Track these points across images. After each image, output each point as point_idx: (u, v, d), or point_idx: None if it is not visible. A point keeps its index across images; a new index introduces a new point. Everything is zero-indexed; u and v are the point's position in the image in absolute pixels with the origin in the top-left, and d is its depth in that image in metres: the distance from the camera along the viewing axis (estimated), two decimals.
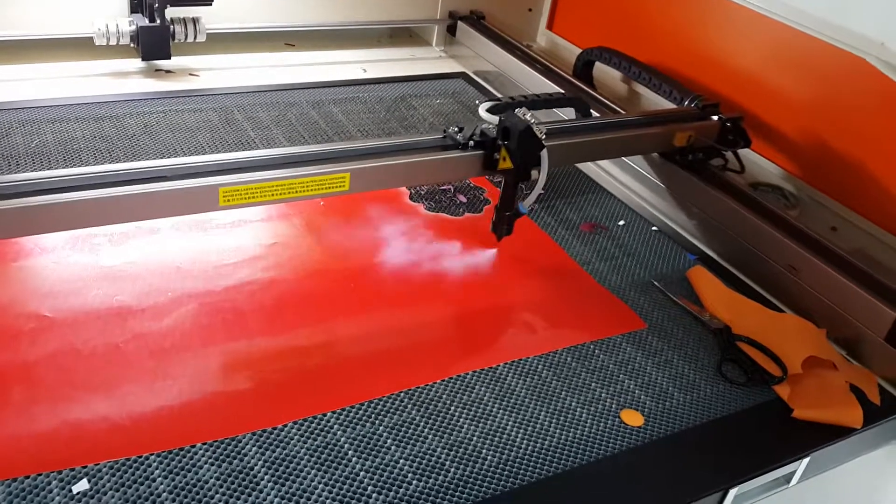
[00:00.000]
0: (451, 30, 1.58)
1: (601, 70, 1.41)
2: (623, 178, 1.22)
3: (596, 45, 1.39)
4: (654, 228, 1.13)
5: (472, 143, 0.97)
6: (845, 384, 0.87)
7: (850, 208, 1.12)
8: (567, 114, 1.26)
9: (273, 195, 0.87)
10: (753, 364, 0.88)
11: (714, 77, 1.27)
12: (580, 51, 1.42)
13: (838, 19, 0.92)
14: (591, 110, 1.22)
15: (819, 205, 1.15)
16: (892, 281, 0.94)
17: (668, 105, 1.25)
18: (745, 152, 1.15)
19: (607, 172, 1.25)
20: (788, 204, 1.16)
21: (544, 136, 0.94)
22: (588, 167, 1.26)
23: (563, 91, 1.29)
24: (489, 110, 1.04)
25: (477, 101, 1.25)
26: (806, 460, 0.81)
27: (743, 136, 1.14)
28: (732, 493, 0.76)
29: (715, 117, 1.14)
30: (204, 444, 0.71)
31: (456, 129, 0.97)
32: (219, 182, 0.84)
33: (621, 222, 1.14)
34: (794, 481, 0.82)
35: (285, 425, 0.74)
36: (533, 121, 0.94)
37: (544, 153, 0.95)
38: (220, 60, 1.42)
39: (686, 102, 1.19)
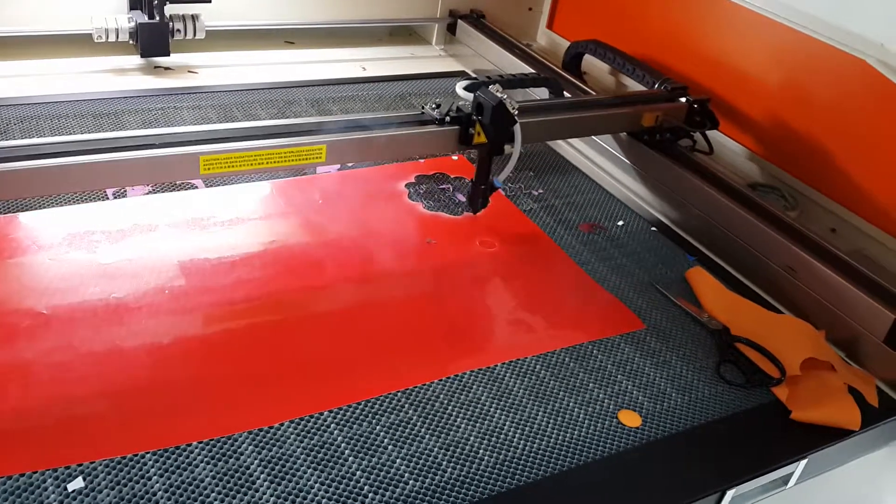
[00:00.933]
0: (452, 28, 1.57)
1: (590, 63, 1.41)
2: (622, 178, 1.22)
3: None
4: (653, 229, 1.13)
5: (448, 118, 0.99)
6: (843, 386, 0.86)
7: (850, 210, 1.12)
8: (543, 95, 1.30)
9: (252, 164, 0.90)
10: (752, 365, 0.88)
11: (710, 75, 1.27)
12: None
13: (838, 20, 0.92)
14: (564, 92, 1.27)
15: (818, 206, 1.15)
16: (891, 283, 0.94)
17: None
18: (740, 156, 1.16)
19: (606, 172, 1.24)
20: (788, 205, 1.16)
21: (516, 112, 0.97)
22: (585, 164, 1.26)
23: (537, 72, 1.32)
24: (465, 88, 1.08)
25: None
26: (804, 462, 0.80)
27: (710, 118, 1.17)
28: (730, 494, 0.76)
29: (683, 99, 1.17)
30: (200, 442, 0.71)
31: (433, 105, 1.00)
32: (199, 151, 0.88)
33: (620, 223, 1.13)
34: (791, 483, 0.82)
35: (282, 424, 0.74)
36: (505, 97, 0.97)
37: (517, 128, 0.98)
38: (219, 58, 1.42)
39: (657, 85, 1.22)
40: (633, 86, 1.32)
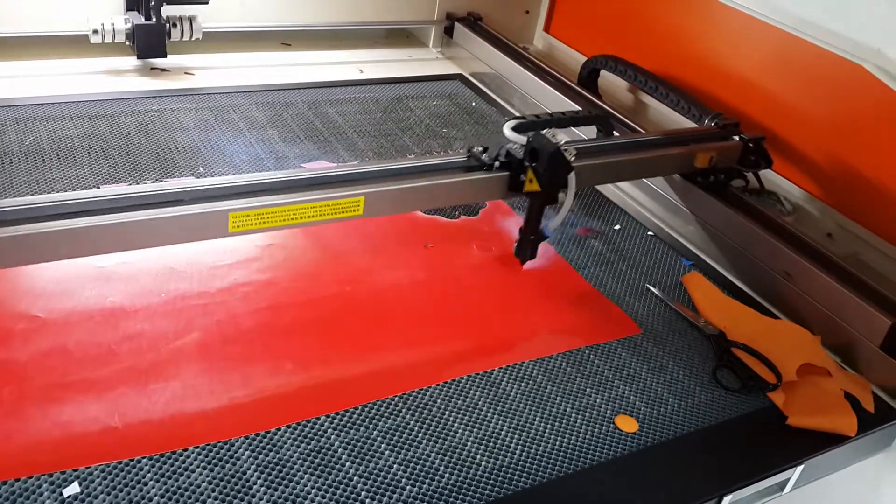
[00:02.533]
0: (449, 31, 1.57)
1: (605, 78, 1.40)
2: (619, 183, 1.22)
3: (594, 49, 1.40)
4: (649, 233, 1.13)
5: (497, 164, 0.93)
6: (840, 391, 0.87)
7: (846, 215, 1.12)
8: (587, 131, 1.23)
9: (284, 220, 0.83)
10: (748, 371, 0.88)
11: (712, 82, 1.27)
12: (577, 53, 1.43)
13: (835, 26, 0.92)
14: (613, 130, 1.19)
15: (815, 211, 1.15)
16: (887, 288, 0.94)
17: (677, 117, 1.23)
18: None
19: None
20: (784, 210, 1.16)
21: (573, 159, 0.91)
22: None
23: (583, 108, 1.25)
24: (514, 129, 0.98)
25: (504, 119, 1.20)
26: (800, 468, 0.80)
27: (765, 157, 1.10)
28: (727, 500, 0.76)
29: (736, 137, 1.10)
30: (196, 447, 0.70)
31: (480, 148, 0.93)
32: (229, 207, 0.80)
33: (617, 226, 1.13)
34: (788, 489, 0.82)
35: (279, 429, 0.74)
36: (562, 143, 0.91)
37: (572, 175, 0.92)
38: (216, 59, 1.42)
39: (706, 121, 1.15)
40: (652, 103, 1.30)
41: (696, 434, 0.81)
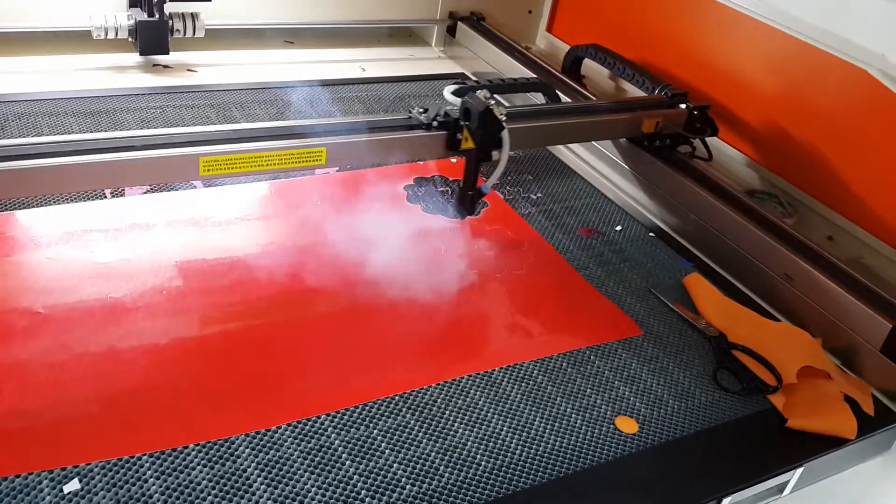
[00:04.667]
0: (451, 30, 1.57)
1: (590, 67, 1.41)
2: (621, 183, 1.22)
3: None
4: (651, 234, 1.13)
5: (435, 123, 0.99)
6: (840, 394, 0.87)
7: (847, 218, 1.12)
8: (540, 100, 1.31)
9: (252, 166, 0.90)
10: (748, 373, 0.88)
11: (710, 81, 1.27)
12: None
13: (839, 30, 0.92)
14: (561, 96, 1.27)
15: (816, 214, 1.15)
16: (888, 292, 0.94)
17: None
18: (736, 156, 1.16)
19: (605, 177, 1.25)
20: (785, 212, 1.16)
21: (504, 118, 0.97)
22: (584, 169, 1.26)
23: (533, 76, 1.33)
24: (453, 93, 1.09)
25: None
26: (800, 470, 0.81)
27: (710, 125, 1.17)
28: (726, 502, 0.76)
29: (683, 105, 1.17)
30: (197, 445, 0.70)
31: (420, 109, 1.00)
32: (199, 152, 0.88)
33: (618, 227, 1.13)
34: (787, 491, 0.82)
35: (279, 427, 0.74)
36: (493, 102, 0.96)
37: (505, 134, 0.97)
38: (218, 57, 1.42)
39: (657, 91, 1.22)
40: (633, 91, 1.32)
41: (695, 436, 0.81)
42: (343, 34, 1.57)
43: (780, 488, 0.82)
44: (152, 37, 1.31)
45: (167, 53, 1.34)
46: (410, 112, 1.00)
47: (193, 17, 1.34)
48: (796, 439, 0.82)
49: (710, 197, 1.08)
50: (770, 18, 0.99)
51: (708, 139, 1.20)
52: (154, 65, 1.36)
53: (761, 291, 1.02)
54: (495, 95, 1.03)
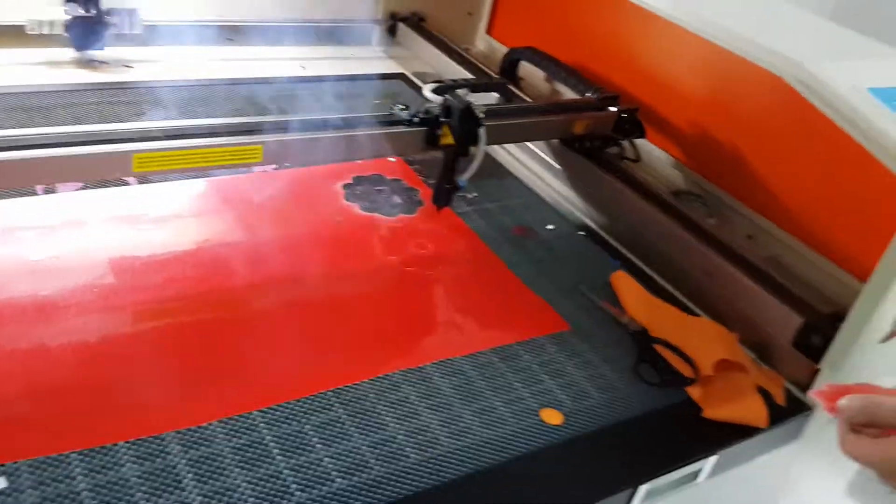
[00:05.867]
0: (392, 30, 1.59)
1: (528, 69, 1.45)
2: (553, 183, 1.26)
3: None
4: (581, 233, 1.17)
5: (416, 119, 1.03)
6: (754, 386, 0.91)
7: (766, 218, 1.17)
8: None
9: (187, 163, 0.90)
10: (668, 366, 0.92)
11: (640, 85, 1.31)
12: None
13: (759, 38, 0.97)
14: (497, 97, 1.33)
15: (737, 213, 1.20)
16: (801, 289, 0.99)
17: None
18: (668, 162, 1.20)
19: (538, 177, 1.28)
20: (708, 212, 1.21)
21: (483, 116, 1.02)
22: (519, 169, 1.29)
23: (492, 78, 1.39)
24: (434, 91, 1.13)
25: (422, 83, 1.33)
26: (714, 458, 0.85)
27: (638, 127, 1.22)
28: (643, 489, 0.79)
29: (613, 108, 1.22)
30: (126, 442, 0.71)
31: (402, 106, 1.04)
32: (133, 149, 0.87)
33: (550, 227, 1.17)
34: (701, 478, 0.87)
35: (210, 424, 0.75)
36: (472, 101, 1.01)
37: (482, 130, 1.02)
38: (156, 53, 1.41)
39: (588, 94, 1.26)
40: (567, 93, 1.36)
41: (616, 426, 0.84)
42: (284, 32, 1.56)
43: (695, 475, 0.86)
44: (88, 32, 1.30)
45: (103, 49, 1.32)
46: (392, 108, 1.04)
47: (130, 12, 1.33)
48: (711, 428, 0.86)
49: (635, 197, 1.12)
50: (697, 27, 1.04)
51: (637, 141, 1.25)
52: (90, 60, 1.34)
53: (683, 288, 1.06)
54: (471, 94, 1.07)
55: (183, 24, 1.43)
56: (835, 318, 0.92)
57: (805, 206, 1.12)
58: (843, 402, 0.66)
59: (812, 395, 0.71)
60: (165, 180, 1.08)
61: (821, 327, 0.92)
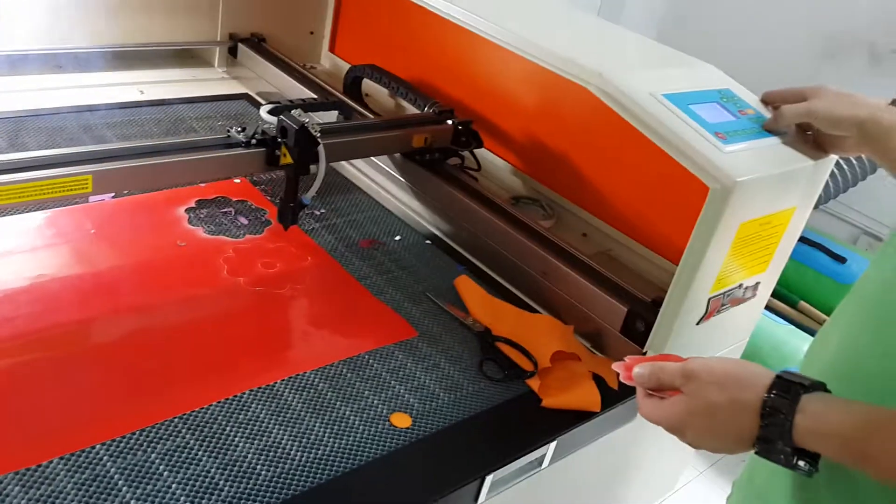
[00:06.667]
0: (233, 51, 1.59)
1: (370, 86, 1.49)
2: (399, 195, 1.30)
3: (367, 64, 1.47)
4: (427, 242, 1.21)
5: (254, 141, 1.04)
6: (588, 373, 0.98)
7: (598, 217, 1.26)
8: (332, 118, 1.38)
9: (8, 198, 0.87)
10: (510, 361, 0.98)
11: (477, 98, 1.38)
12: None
13: (567, 53, 1.05)
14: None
15: (572, 214, 1.29)
16: (628, 281, 1.07)
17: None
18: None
19: (385, 190, 1.32)
20: (546, 214, 1.29)
21: (319, 134, 1.04)
22: (365, 183, 1.33)
23: (332, 98, 1.41)
24: (270, 112, 1.15)
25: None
26: (553, 444, 0.91)
27: (475, 138, 1.28)
28: (489, 479, 0.84)
29: (449, 121, 1.27)
30: None
31: (238, 128, 1.05)
32: None
33: (398, 237, 1.21)
34: (545, 464, 0.93)
35: (51, 461, 0.74)
36: (307, 120, 1.03)
37: (321, 148, 1.05)
38: None
39: (426, 108, 1.31)
40: (410, 108, 1.41)
41: (462, 423, 0.89)
42: (120, 56, 1.53)
43: (539, 461, 0.92)
44: None
45: None
46: (229, 131, 1.04)
47: None
48: (550, 417, 0.92)
49: (475, 205, 1.18)
50: (515, 47, 1.10)
51: (476, 151, 1.31)
52: None
53: (523, 288, 1.13)
54: (309, 113, 1.09)
55: (6, 55, 1.37)
56: (656, 305, 1.00)
57: (628, 203, 1.22)
58: (636, 370, 0.73)
59: (614, 367, 0.78)
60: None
61: (642, 314, 1.00)
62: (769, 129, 1.02)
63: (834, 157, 1.05)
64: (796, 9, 2.42)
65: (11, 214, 1.05)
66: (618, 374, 0.78)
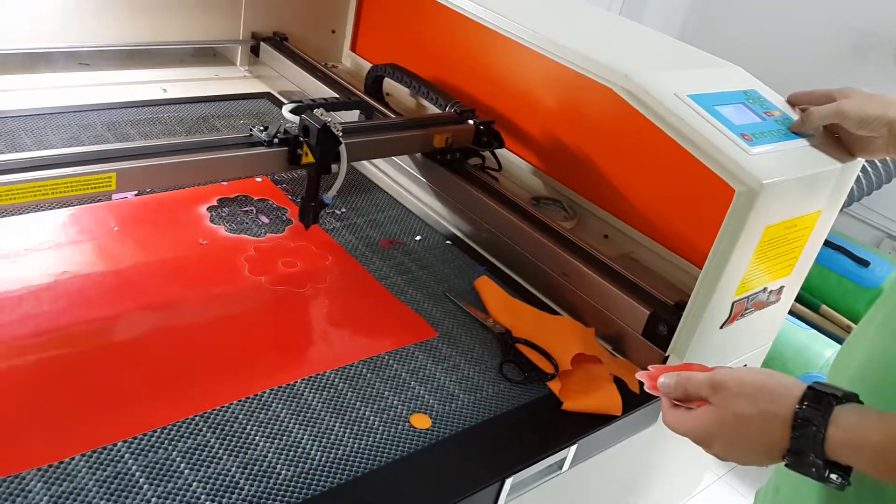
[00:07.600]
0: (255, 50, 1.59)
1: (394, 85, 1.48)
2: (420, 195, 1.30)
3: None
4: (447, 242, 1.21)
5: (276, 140, 1.04)
6: (609, 376, 0.98)
7: (620, 219, 1.25)
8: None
9: (35, 195, 0.88)
10: (530, 363, 0.97)
11: (498, 98, 1.38)
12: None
13: (591, 53, 1.04)
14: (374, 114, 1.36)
15: (593, 215, 1.28)
16: (649, 283, 1.06)
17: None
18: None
19: (406, 189, 1.32)
20: (567, 215, 1.28)
21: (341, 133, 1.04)
22: (386, 182, 1.32)
23: (353, 97, 1.41)
24: (292, 111, 1.15)
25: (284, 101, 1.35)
26: (574, 447, 0.90)
27: (496, 138, 1.27)
28: (509, 481, 0.84)
29: (471, 121, 1.26)
30: None
31: (261, 127, 1.05)
32: None
33: (418, 237, 1.21)
34: (565, 467, 0.92)
35: (73, 458, 0.74)
36: (329, 120, 1.03)
37: (342, 148, 1.05)
38: (7, 81, 1.35)
39: (447, 108, 1.30)
40: (431, 108, 1.41)
41: (482, 425, 0.88)
42: (144, 55, 1.54)
43: (560, 465, 0.91)
44: None
45: None
46: (251, 130, 1.05)
47: None
48: (571, 420, 0.92)
49: (496, 206, 1.17)
50: (538, 46, 1.10)
51: (498, 151, 1.31)
52: None
53: (543, 289, 1.12)
54: (331, 112, 1.09)
55: (32, 52, 1.39)
56: (679, 308, 0.99)
57: (651, 205, 1.21)
58: (661, 379, 0.72)
59: (638, 376, 0.77)
60: (19, 213, 1.05)
61: (665, 317, 0.99)
62: (796, 131, 1.00)
63: (861, 161, 1.03)
64: (822, 9, 2.39)
65: (36, 211, 1.06)
66: (641, 384, 0.76)
